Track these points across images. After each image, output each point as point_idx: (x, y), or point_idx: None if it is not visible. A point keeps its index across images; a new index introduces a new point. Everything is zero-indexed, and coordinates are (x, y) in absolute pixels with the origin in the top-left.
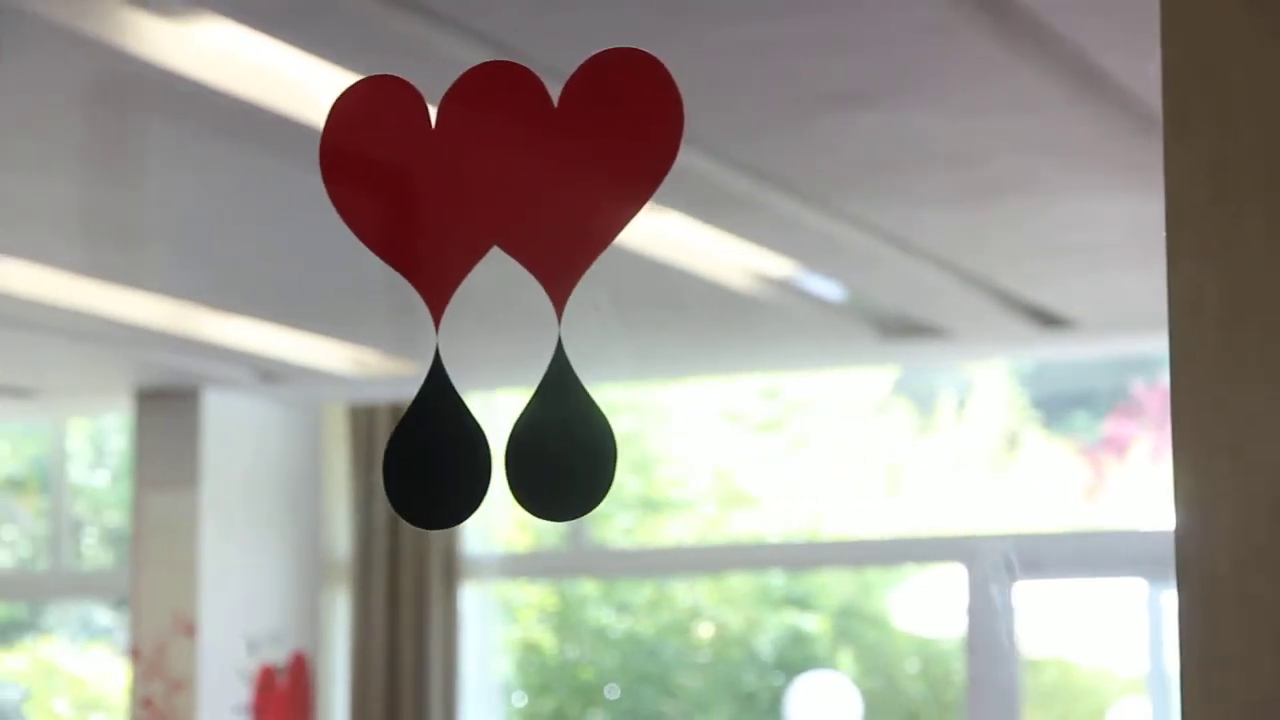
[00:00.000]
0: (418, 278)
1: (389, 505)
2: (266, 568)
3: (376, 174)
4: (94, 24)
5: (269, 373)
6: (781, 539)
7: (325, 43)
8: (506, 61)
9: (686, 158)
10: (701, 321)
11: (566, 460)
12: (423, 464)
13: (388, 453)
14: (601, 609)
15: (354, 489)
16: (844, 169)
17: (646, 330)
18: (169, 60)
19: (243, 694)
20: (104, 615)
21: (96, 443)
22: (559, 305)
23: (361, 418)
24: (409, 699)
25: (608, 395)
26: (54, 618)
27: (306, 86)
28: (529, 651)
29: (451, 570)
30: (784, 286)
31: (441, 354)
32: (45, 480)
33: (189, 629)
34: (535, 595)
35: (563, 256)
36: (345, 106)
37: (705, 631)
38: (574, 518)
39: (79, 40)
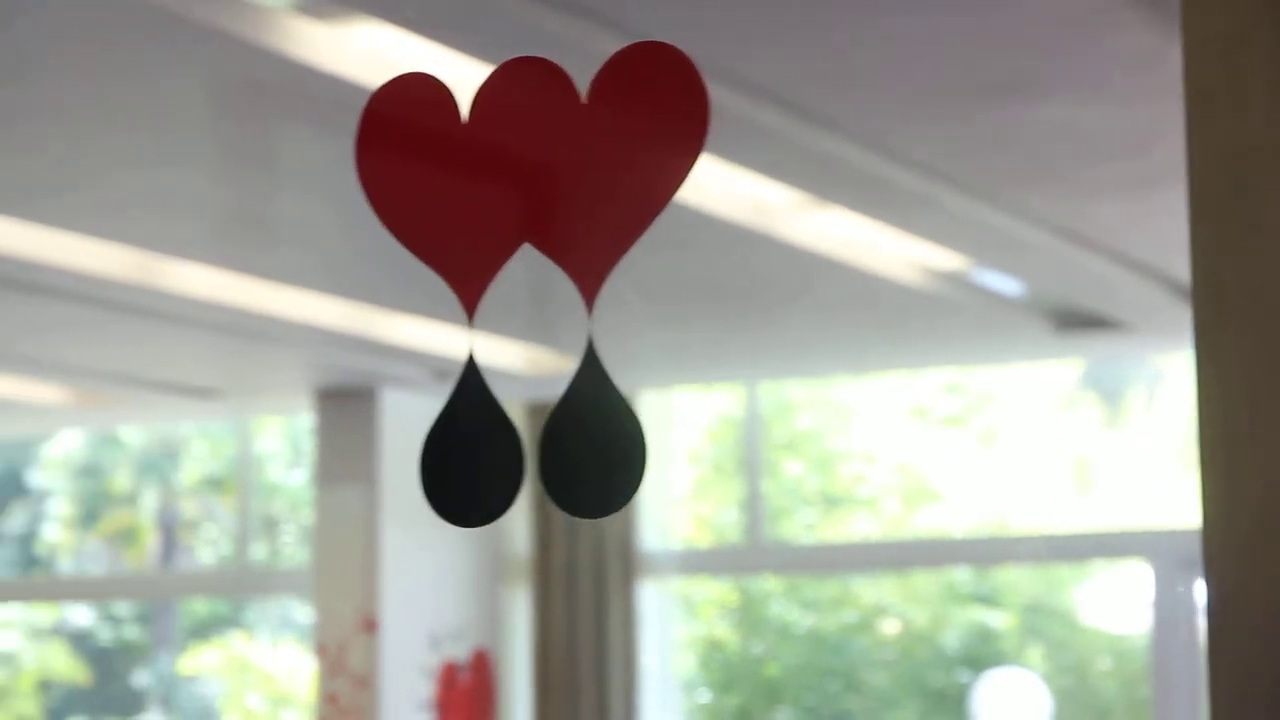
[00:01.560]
0: (450, 273)
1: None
2: (447, 565)
3: (410, 170)
4: (259, 31)
5: (444, 372)
6: (967, 535)
7: (478, 43)
8: (536, 57)
9: (854, 153)
10: (878, 318)
11: (597, 457)
12: (456, 463)
13: (423, 451)
14: (784, 605)
15: (532, 486)
16: (1009, 161)
17: (824, 327)
18: (330, 63)
19: (426, 690)
20: (301, 612)
21: (293, 442)
22: (589, 301)
23: (538, 415)
24: (590, 695)
25: (790, 393)
26: (254, 614)
27: (461, 86)
28: (712, 648)
29: (630, 567)
30: (959, 281)
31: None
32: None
33: (371, 626)
34: (716, 592)
35: (593, 252)
36: (379, 103)
37: (890, 628)
38: (604, 514)
39: (246, 47)
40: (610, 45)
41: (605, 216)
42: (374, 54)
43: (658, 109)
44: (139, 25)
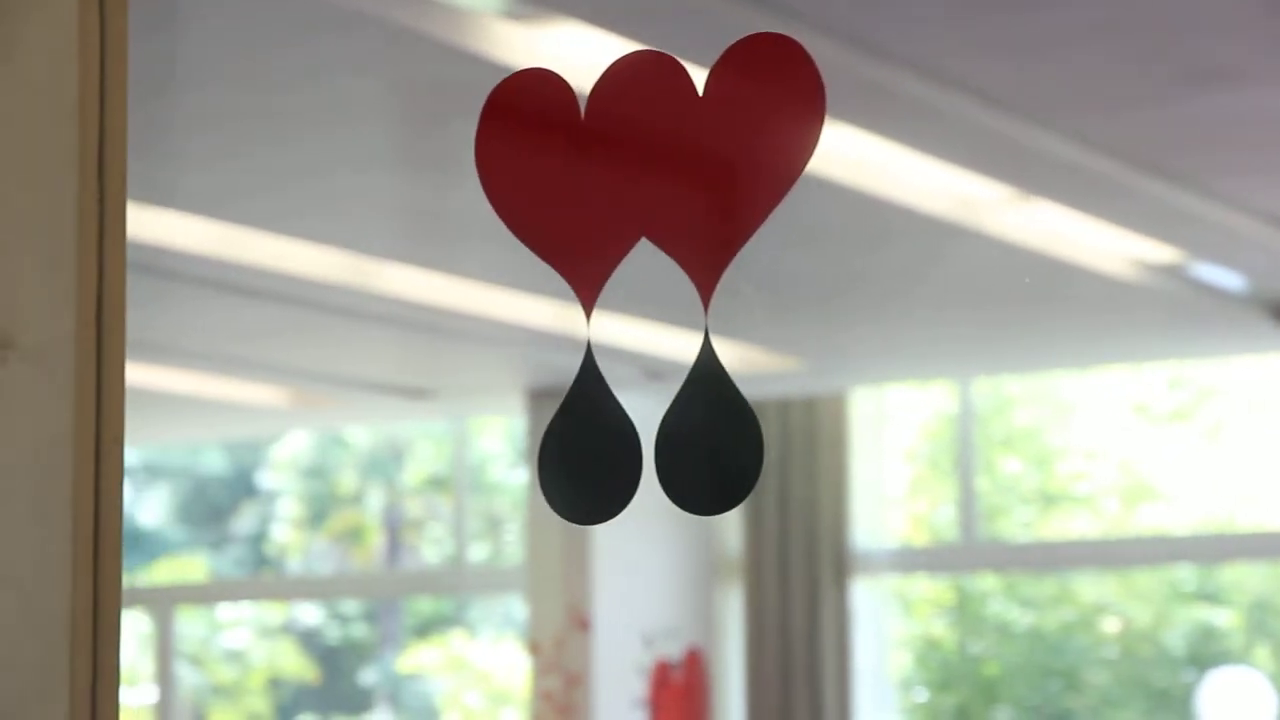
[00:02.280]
0: (568, 270)
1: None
2: (659, 564)
3: (528, 165)
4: (461, 34)
5: (655, 371)
6: (1190, 532)
7: (674, 40)
8: (653, 50)
9: (1060, 146)
10: (1092, 313)
11: (713, 454)
12: (574, 461)
13: (542, 447)
14: (1003, 604)
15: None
16: (1220, 151)
17: (1037, 322)
18: (533, 65)
19: (639, 688)
20: (522, 610)
21: (514, 442)
22: (705, 297)
23: None
24: (803, 693)
25: (1008, 389)
26: (477, 612)
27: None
28: (928, 647)
29: (842, 565)
30: (1175, 275)
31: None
32: (470, 478)
33: (584, 624)
34: (932, 590)
35: (709, 247)
36: (498, 99)
37: (1112, 627)
38: (720, 512)
39: (449, 49)
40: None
41: (721, 211)
42: (572, 54)
43: (773, 101)
44: (343, 27)
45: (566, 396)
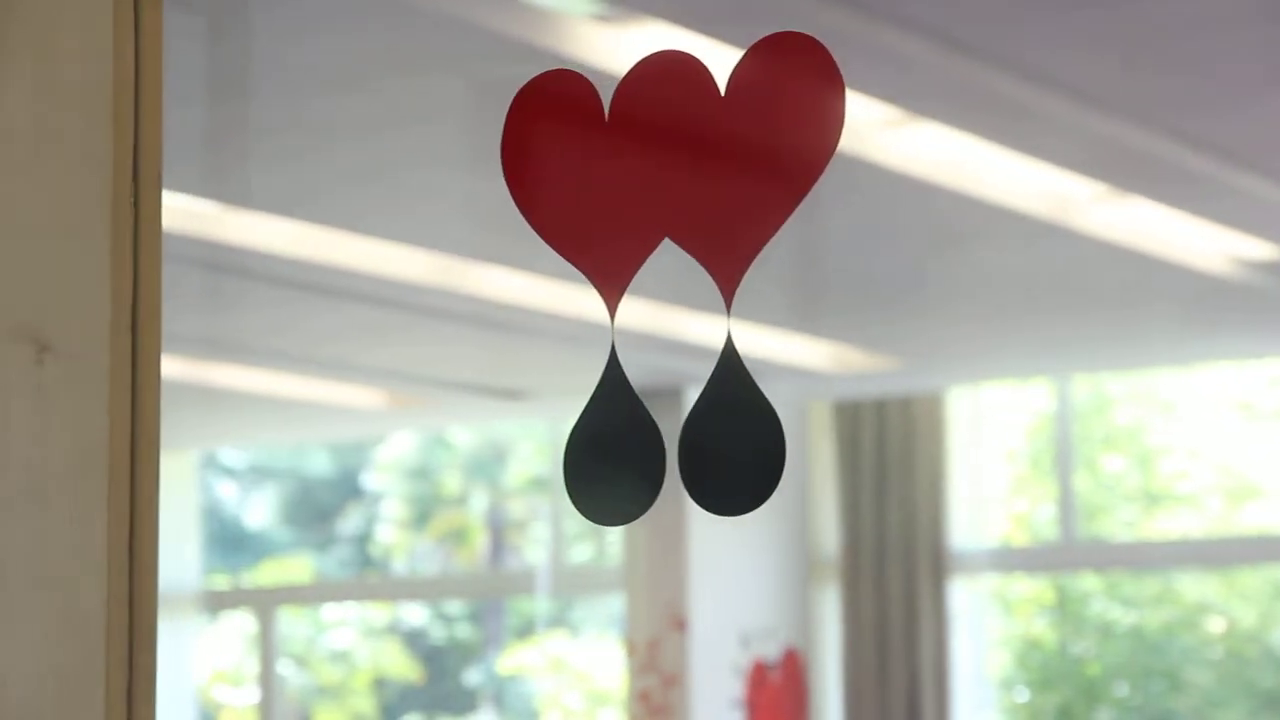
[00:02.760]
0: (593, 271)
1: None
2: (755, 564)
3: (552, 166)
4: (540, 33)
5: (750, 371)
6: None
7: (753, 39)
8: (676, 50)
9: (1153, 142)
10: (1189, 310)
11: (736, 455)
12: (598, 462)
13: (566, 448)
14: (1104, 603)
15: (841, 485)
16: None
17: (1134, 320)
18: (619, 66)
19: (736, 688)
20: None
21: None
22: (728, 296)
23: (847, 414)
24: (900, 693)
25: (1108, 387)
26: (581, 613)
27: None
28: (1029, 647)
29: (940, 565)
30: (1273, 271)
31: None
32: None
33: (681, 624)
34: (1032, 590)
35: (731, 247)
36: (523, 101)
37: (1216, 627)
38: (743, 513)
39: (528, 49)
40: (889, 39)
41: (742, 212)
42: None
43: (794, 100)
44: (429, 28)
45: (591, 398)
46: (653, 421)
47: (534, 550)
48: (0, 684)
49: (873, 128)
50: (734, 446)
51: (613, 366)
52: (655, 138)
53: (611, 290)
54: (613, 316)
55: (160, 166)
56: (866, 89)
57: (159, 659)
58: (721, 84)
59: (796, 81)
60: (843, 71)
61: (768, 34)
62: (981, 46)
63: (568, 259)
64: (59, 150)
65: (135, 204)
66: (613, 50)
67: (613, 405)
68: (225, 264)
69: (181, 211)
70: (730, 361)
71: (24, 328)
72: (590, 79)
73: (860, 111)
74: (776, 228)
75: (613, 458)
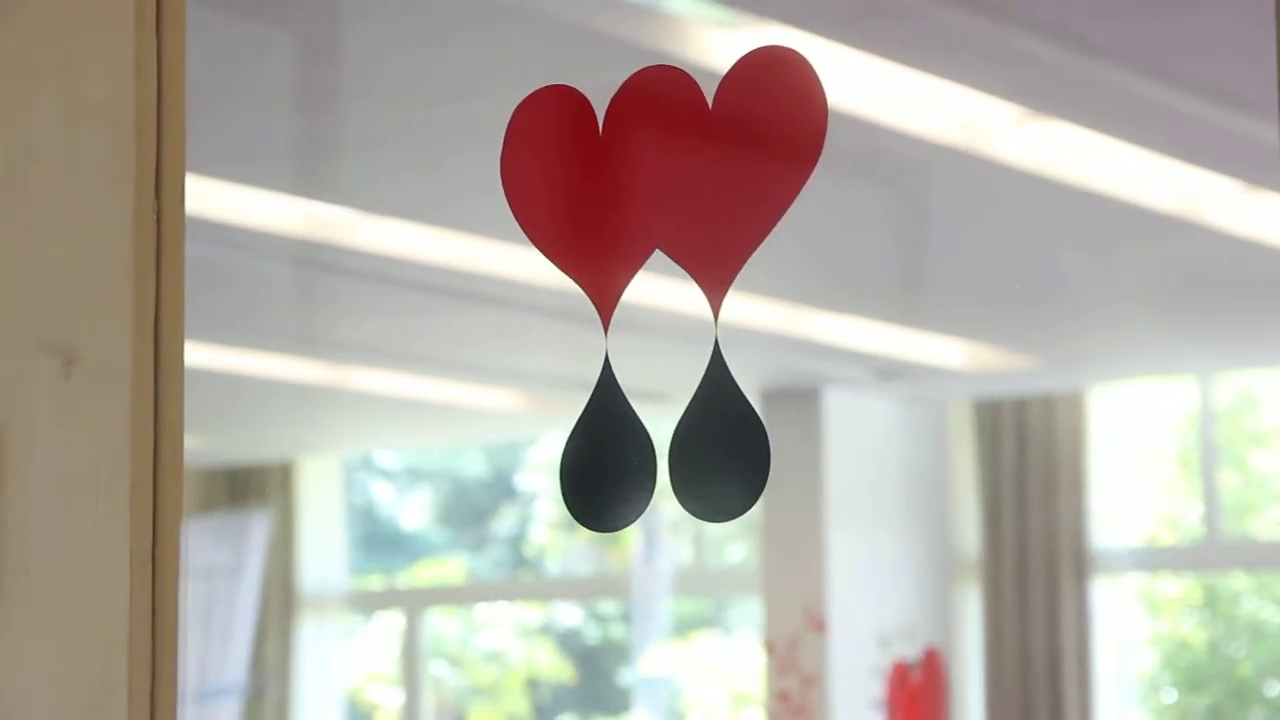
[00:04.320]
0: (586, 281)
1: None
2: (894, 564)
3: (548, 179)
4: (658, 38)
5: (887, 371)
6: None
7: (883, 42)
8: (667, 65)
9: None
10: None
11: (722, 463)
12: (592, 469)
13: (562, 456)
14: (1256, 603)
15: (980, 485)
16: None
17: (1277, 316)
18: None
19: (876, 689)
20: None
21: None
22: (715, 306)
23: (986, 413)
24: (1043, 694)
25: (1257, 384)
26: (735, 612)
27: (877, 87)
28: (1177, 647)
29: (1082, 565)
30: None
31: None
32: None
33: (819, 625)
34: (1179, 589)
35: (719, 258)
36: (522, 115)
37: None
38: (730, 518)
39: (646, 54)
40: (1006, 39)
41: (729, 222)
42: None
43: (778, 114)
44: (548, 36)
45: (585, 407)
46: (645, 430)
47: (686, 550)
48: (26, 691)
49: (1003, 127)
50: (720, 455)
51: (606, 376)
52: (646, 151)
53: (604, 300)
54: (606, 326)
55: (183, 182)
56: (990, 88)
57: (307, 660)
58: (710, 98)
59: (780, 96)
60: (966, 69)
61: (758, 48)
62: (1108, 44)
63: (562, 269)
64: (83, 168)
65: (158, 219)
66: (732, 55)
67: (606, 413)
68: (367, 271)
69: (320, 219)
70: (717, 370)
71: (52, 340)
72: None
73: (987, 110)
74: (761, 239)
75: (606, 465)
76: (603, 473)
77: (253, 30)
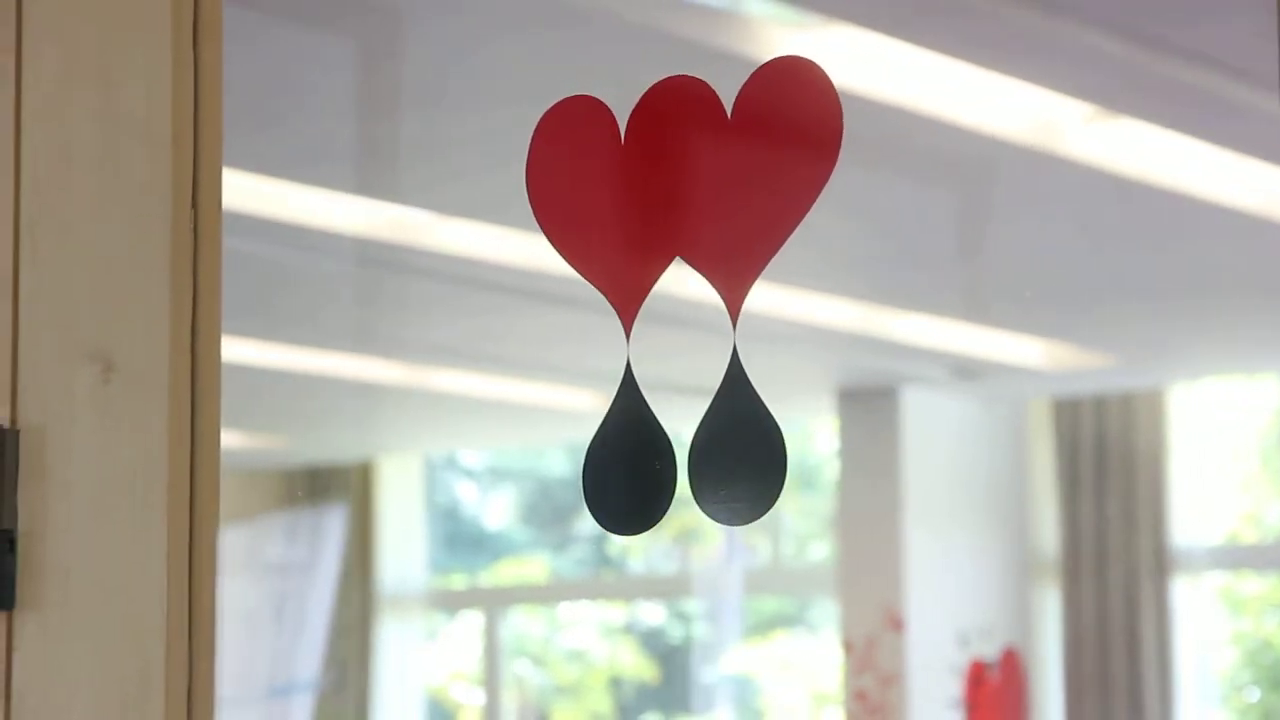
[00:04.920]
0: (609, 288)
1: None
2: (972, 563)
3: (572, 187)
4: (727, 38)
5: (965, 370)
6: None
7: (950, 40)
8: (686, 76)
9: None
10: None
11: (740, 467)
12: (614, 472)
13: (585, 460)
14: None
15: (1059, 483)
16: None
17: None
18: None
19: (954, 689)
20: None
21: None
22: (734, 312)
23: (1065, 411)
24: (1123, 693)
25: None
26: (818, 611)
27: (948, 86)
28: (1261, 646)
29: (1163, 563)
30: None
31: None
32: (809, 479)
33: (897, 624)
34: (1262, 588)
35: (737, 265)
36: (546, 125)
37: None
38: (748, 522)
39: (715, 54)
40: (1073, 37)
41: (746, 230)
42: (850, 57)
43: (794, 123)
44: (617, 37)
45: (608, 412)
46: (665, 434)
47: (767, 549)
48: (64, 692)
49: (1075, 124)
50: (737, 459)
51: (628, 381)
52: (665, 160)
53: (625, 308)
54: (628, 333)
55: (220, 192)
56: (1061, 86)
57: (387, 658)
58: (728, 107)
59: (797, 105)
60: (1038, 68)
61: (775, 58)
62: (1179, 41)
63: (584, 276)
64: (121, 177)
65: (194, 229)
66: (805, 56)
67: (628, 418)
68: (449, 272)
69: (401, 221)
70: (735, 375)
71: (91, 347)
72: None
73: (1060, 108)
74: (778, 246)
75: (628, 469)
76: (624, 477)
77: (327, 34)
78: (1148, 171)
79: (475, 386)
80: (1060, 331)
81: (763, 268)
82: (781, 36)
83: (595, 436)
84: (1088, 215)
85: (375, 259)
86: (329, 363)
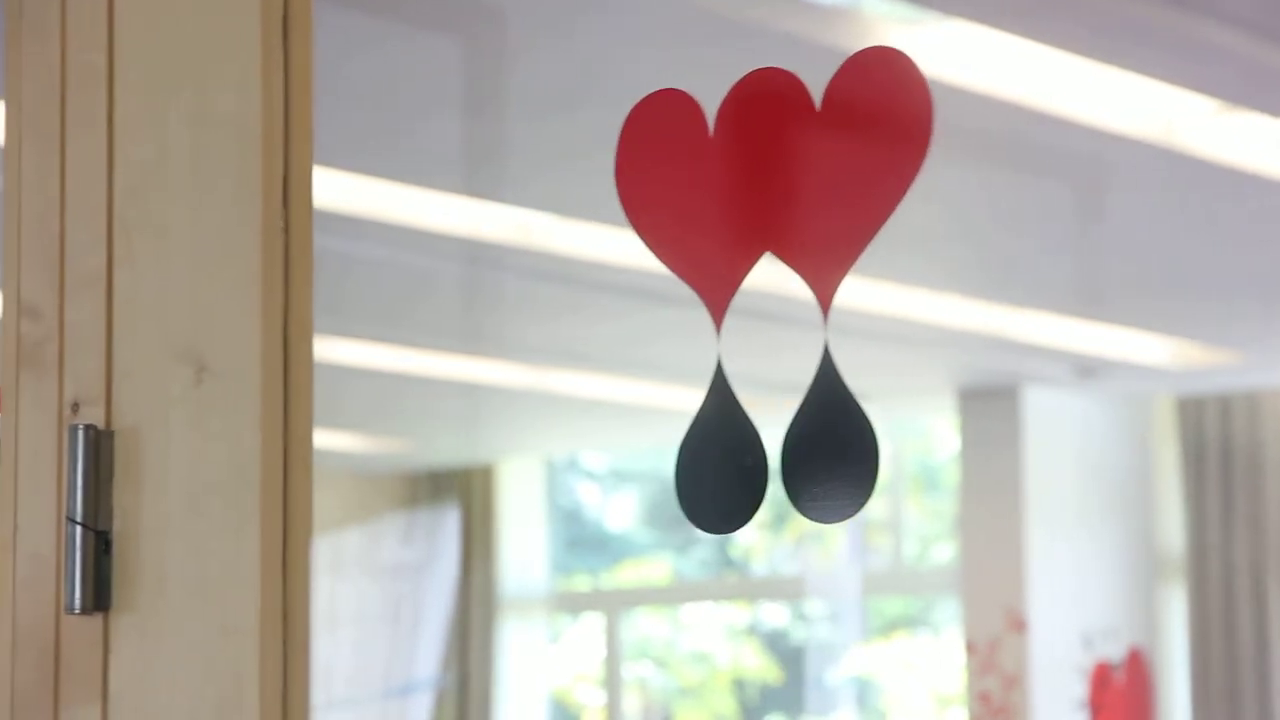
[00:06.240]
0: (699, 284)
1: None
2: (1096, 563)
3: (661, 183)
4: (841, 36)
5: (1087, 368)
6: None
7: (1072, 37)
8: (774, 68)
9: None
10: None
11: (834, 464)
12: (705, 470)
13: (677, 458)
14: None
15: (1184, 483)
16: None
17: None
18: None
19: (1078, 690)
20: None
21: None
22: (825, 307)
23: (1190, 410)
24: (1251, 695)
25: None
26: (941, 613)
27: (1067, 83)
28: None
29: None
30: None
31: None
32: (932, 479)
33: (1020, 625)
34: None
35: (828, 259)
36: (635, 119)
37: None
38: (842, 520)
39: (828, 52)
40: (1191, 27)
41: (837, 223)
42: (960, 52)
43: (885, 114)
44: (735, 38)
45: (699, 409)
46: (756, 431)
47: (889, 550)
48: (160, 694)
49: (1197, 120)
50: (831, 456)
51: (719, 379)
52: (754, 154)
53: (716, 303)
54: (718, 329)
55: (310, 192)
56: (1184, 82)
57: (510, 659)
58: (817, 99)
59: (887, 96)
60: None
61: (864, 49)
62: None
63: (674, 271)
64: (213, 178)
65: (286, 230)
66: (916, 52)
67: (720, 416)
68: (568, 275)
69: (521, 225)
70: (828, 372)
71: (184, 349)
72: None
73: (1182, 104)
74: (869, 239)
75: (720, 467)
76: (716, 475)
77: (442, 38)
78: (1271, 166)
79: (595, 388)
80: (1184, 329)
81: (854, 261)
82: (897, 32)
83: (687, 434)
84: (1210, 211)
85: (494, 262)
86: (450, 366)
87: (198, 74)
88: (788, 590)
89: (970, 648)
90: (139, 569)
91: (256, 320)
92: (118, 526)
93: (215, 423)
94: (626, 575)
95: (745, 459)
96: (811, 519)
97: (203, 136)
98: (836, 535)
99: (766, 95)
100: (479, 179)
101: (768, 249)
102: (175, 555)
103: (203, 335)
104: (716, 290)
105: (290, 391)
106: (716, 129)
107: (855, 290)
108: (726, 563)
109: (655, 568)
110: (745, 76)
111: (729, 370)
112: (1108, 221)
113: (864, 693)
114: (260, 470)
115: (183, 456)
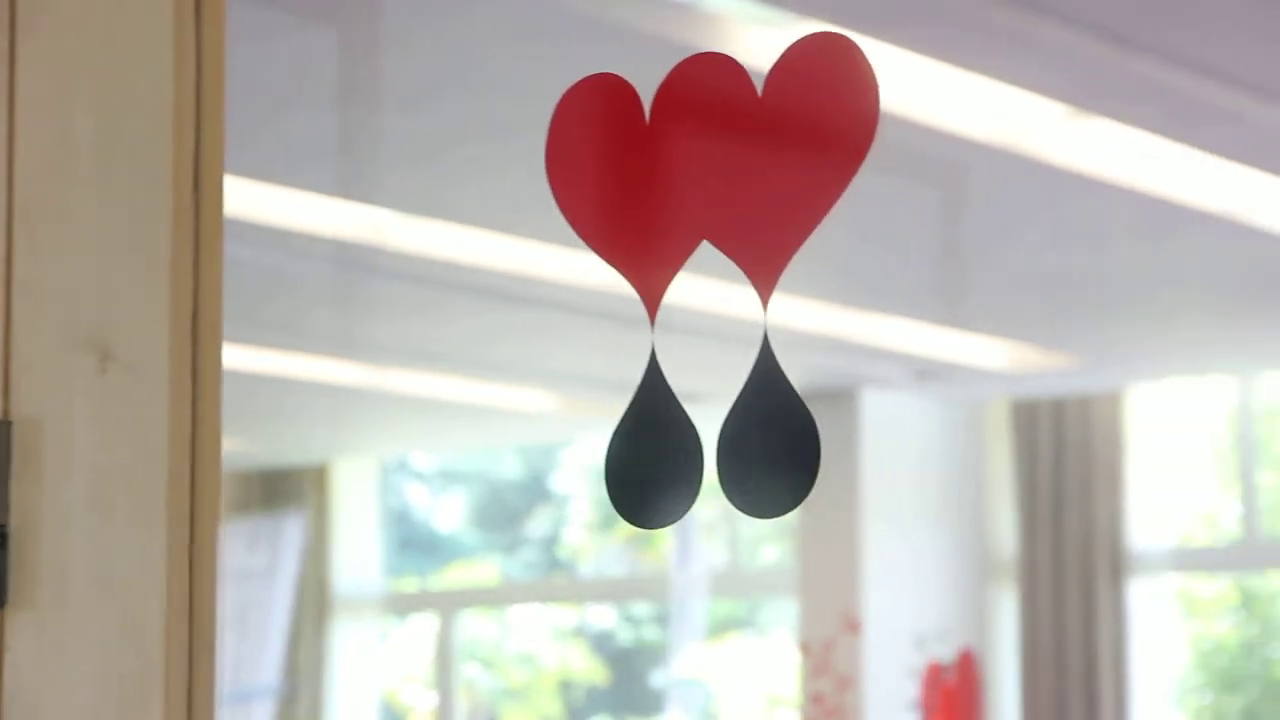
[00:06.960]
0: (633, 274)
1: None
2: (930, 565)
3: (594, 170)
4: (705, 39)
5: (925, 371)
6: None
7: (926, 40)
8: (715, 53)
9: None
10: None
11: (771, 458)
12: (638, 465)
13: (608, 450)
14: None
15: (1017, 485)
16: None
17: None
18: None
19: (910, 691)
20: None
21: None
22: (764, 298)
23: (1023, 413)
24: (1078, 695)
25: None
26: (767, 615)
27: (918, 85)
28: (1214, 648)
29: (1118, 565)
30: None
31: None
32: None
33: (855, 626)
34: (1215, 590)
35: (768, 249)
36: (567, 104)
37: None
38: (780, 514)
39: (689, 52)
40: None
41: (778, 213)
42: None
43: (828, 102)
44: (590, 35)
45: (631, 402)
46: (692, 425)
47: (719, 552)
48: (62, 691)
49: (1045, 124)
50: (770, 450)
51: (653, 371)
52: (694, 140)
53: (651, 293)
54: (652, 320)
55: (221, 178)
56: (1034, 85)
57: (342, 662)
58: (759, 85)
59: (831, 83)
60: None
61: (807, 35)
62: (1150, 41)
63: (608, 262)
64: (121, 164)
65: (196, 215)
66: (777, 55)
67: (653, 407)
68: (404, 272)
69: (357, 221)
70: (766, 364)
71: (88, 337)
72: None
73: (1031, 108)
74: (811, 229)
75: (653, 462)
76: (649, 468)
77: (300, 34)
78: (1114, 171)
79: (433, 388)
80: (1021, 332)
81: (795, 250)
82: (754, 35)
83: (619, 426)
84: (1052, 215)
85: (332, 258)
86: (285, 363)
87: (105, 56)
88: (615, 591)
89: (805, 649)
90: (37, 564)
91: (165, 308)
92: (15, 521)
93: (121, 413)
94: (456, 576)
95: (679, 452)
96: (749, 514)
97: (111, 120)
98: (666, 537)
99: (706, 82)
100: (329, 176)
101: (705, 237)
102: (77, 550)
103: (108, 323)
104: (651, 280)
105: (199, 381)
106: (653, 115)
107: (691, 289)
108: (554, 564)
109: (483, 569)
110: (683, 62)
111: (558, 369)
112: (949, 224)
113: (693, 694)
114: (168, 462)
115: (86, 448)
